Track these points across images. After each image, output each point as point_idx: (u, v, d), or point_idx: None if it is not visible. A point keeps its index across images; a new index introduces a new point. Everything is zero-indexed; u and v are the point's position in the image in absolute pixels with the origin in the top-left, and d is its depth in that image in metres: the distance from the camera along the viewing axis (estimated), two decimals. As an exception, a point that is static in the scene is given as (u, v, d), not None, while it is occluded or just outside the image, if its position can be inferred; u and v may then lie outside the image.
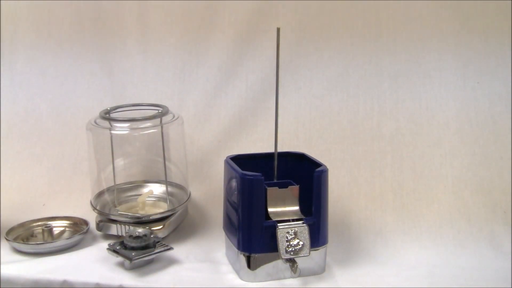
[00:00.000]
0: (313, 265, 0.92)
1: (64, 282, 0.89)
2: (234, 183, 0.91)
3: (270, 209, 0.90)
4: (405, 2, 1.21)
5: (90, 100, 1.30)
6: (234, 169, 0.91)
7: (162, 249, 0.95)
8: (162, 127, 1.08)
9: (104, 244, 0.99)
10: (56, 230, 1.07)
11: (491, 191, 1.12)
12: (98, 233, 1.06)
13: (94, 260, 0.96)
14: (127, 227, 1.02)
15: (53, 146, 1.28)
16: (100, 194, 1.12)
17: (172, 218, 1.05)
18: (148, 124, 1.07)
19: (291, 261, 0.87)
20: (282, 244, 0.86)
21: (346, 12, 1.22)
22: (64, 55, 1.32)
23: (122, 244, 0.94)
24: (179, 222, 1.09)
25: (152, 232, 0.96)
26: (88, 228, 1.05)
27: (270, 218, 0.89)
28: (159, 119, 1.07)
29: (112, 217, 1.04)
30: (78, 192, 1.20)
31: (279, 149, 0.96)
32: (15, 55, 1.33)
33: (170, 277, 0.91)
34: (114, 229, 1.03)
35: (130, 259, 0.90)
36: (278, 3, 1.24)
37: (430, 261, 0.98)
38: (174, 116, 1.10)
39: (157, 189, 1.16)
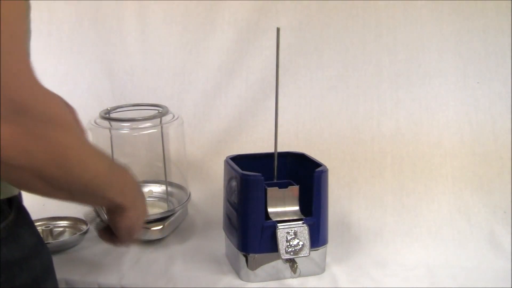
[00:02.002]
0: (313, 265, 0.92)
1: (64, 282, 0.89)
2: (234, 183, 0.91)
3: (270, 209, 0.90)
4: (405, 2, 1.21)
5: (90, 100, 1.30)
6: (234, 169, 0.91)
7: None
8: (162, 127, 1.08)
9: (104, 244, 0.98)
10: (56, 230, 1.07)
11: (491, 191, 1.12)
12: (98, 233, 1.06)
13: (94, 260, 0.96)
14: None
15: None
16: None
17: (172, 218, 1.05)
18: (148, 124, 1.07)
19: (291, 261, 0.87)
20: (282, 244, 0.86)
21: (346, 12, 1.22)
22: (64, 55, 1.32)
23: None
24: (179, 222, 1.09)
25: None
26: (88, 228, 1.05)
27: (270, 218, 0.89)
28: (159, 119, 1.07)
29: None
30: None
31: (279, 149, 0.96)
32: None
33: (170, 277, 0.91)
34: None
35: None
36: (278, 3, 1.24)
37: (430, 261, 0.98)
38: (174, 116, 1.10)
39: (157, 189, 1.16)
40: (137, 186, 0.69)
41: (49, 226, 1.06)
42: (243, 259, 0.90)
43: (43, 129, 0.46)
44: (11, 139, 0.44)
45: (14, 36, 0.46)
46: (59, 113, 0.49)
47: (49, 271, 0.66)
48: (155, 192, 1.15)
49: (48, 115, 0.47)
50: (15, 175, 0.47)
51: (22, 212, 0.63)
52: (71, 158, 0.50)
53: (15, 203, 0.62)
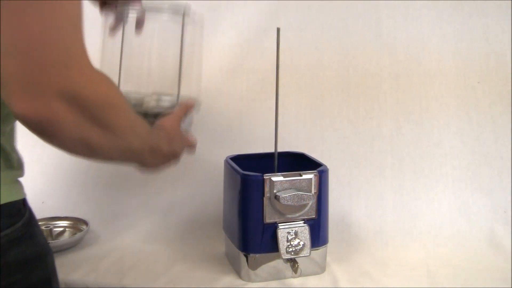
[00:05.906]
0: (313, 264, 0.92)
1: (64, 282, 0.89)
2: (234, 183, 0.91)
3: (270, 209, 0.90)
4: (405, 2, 1.21)
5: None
6: (234, 169, 0.91)
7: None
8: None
9: (104, 245, 0.99)
10: (56, 230, 1.07)
11: (491, 191, 1.12)
12: (98, 233, 1.06)
13: (94, 260, 0.96)
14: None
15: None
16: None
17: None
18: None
19: (292, 261, 0.87)
20: (282, 244, 0.86)
21: (346, 12, 1.22)
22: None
23: None
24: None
25: None
26: (88, 228, 1.05)
27: (270, 218, 0.89)
28: None
29: None
30: (78, 192, 1.20)
31: (279, 149, 0.96)
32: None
33: (170, 277, 0.91)
34: None
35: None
36: (278, 3, 1.24)
37: (430, 261, 0.98)
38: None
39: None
40: (167, 160, 0.73)
41: (49, 226, 1.06)
42: (243, 259, 0.90)
43: (95, 108, 0.53)
44: (65, 116, 0.51)
45: (76, 26, 0.53)
46: (109, 93, 0.56)
47: (55, 269, 0.69)
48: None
49: (101, 97, 0.54)
50: (70, 144, 0.55)
51: (32, 212, 0.67)
52: (117, 128, 0.57)
53: (27, 204, 0.66)
